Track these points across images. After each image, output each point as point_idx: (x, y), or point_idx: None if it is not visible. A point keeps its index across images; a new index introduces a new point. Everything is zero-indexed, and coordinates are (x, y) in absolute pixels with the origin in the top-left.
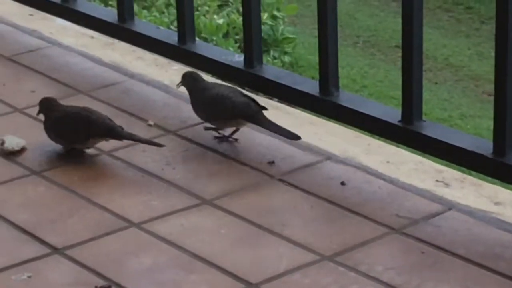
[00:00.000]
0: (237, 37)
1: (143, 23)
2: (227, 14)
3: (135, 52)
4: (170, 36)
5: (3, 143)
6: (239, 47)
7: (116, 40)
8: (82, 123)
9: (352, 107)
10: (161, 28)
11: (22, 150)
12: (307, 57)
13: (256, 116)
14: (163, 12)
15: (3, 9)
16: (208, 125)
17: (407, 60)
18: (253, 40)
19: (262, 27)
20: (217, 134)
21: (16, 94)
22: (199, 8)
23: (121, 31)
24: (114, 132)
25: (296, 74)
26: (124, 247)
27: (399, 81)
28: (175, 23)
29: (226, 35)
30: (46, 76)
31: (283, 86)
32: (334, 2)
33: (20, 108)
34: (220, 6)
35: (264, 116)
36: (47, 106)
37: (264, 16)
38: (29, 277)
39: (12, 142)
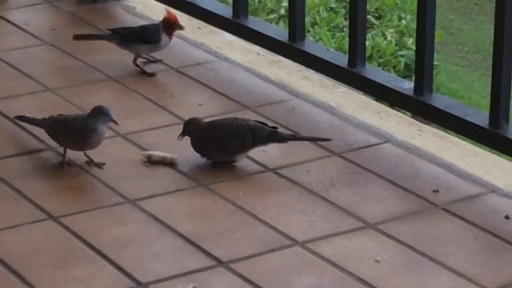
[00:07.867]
0: (380, 60)
1: (313, 44)
2: (372, 37)
3: (300, 72)
4: (340, 58)
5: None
6: (381, 70)
7: (282, 58)
8: (247, 131)
9: None
10: (331, 50)
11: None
12: (448, 85)
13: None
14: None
15: None
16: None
17: None
18: (425, 68)
19: (407, 52)
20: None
21: (183, 105)
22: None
23: (291, 50)
24: (277, 135)
25: (466, 105)
26: (288, 265)
27: None
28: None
29: (369, 58)
30: (213, 90)
31: (453, 116)
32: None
33: None
34: None
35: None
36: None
37: (409, 41)
38: (195, 287)
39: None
